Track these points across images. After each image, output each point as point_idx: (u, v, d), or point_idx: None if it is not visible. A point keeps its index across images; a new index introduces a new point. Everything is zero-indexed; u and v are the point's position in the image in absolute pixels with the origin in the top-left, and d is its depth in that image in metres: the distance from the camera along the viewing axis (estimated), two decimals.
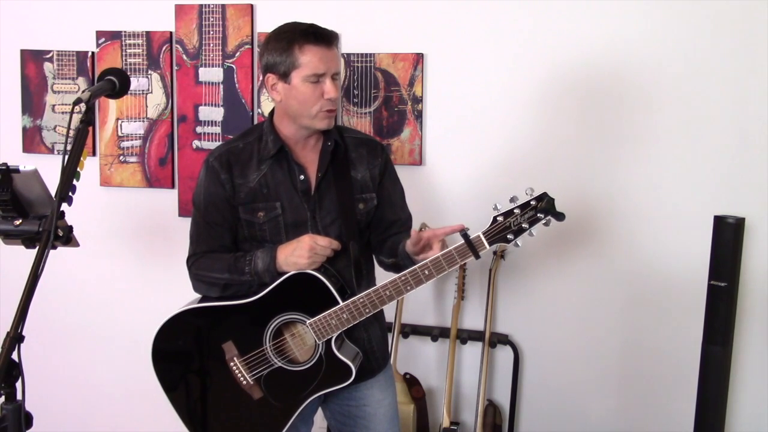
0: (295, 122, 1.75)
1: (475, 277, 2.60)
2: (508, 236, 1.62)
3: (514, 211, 1.61)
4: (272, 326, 1.72)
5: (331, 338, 1.70)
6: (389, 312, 2.47)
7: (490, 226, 1.62)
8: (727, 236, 2.17)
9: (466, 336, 2.58)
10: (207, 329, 1.79)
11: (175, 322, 1.79)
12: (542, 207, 1.59)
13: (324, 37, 1.69)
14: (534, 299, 2.58)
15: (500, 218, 1.61)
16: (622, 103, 2.43)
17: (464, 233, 1.62)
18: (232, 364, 1.76)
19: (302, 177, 1.77)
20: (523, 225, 1.61)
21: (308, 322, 1.69)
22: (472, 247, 1.62)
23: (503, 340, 2.58)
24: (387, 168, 1.88)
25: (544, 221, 1.61)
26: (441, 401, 2.62)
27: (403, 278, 1.65)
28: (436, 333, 2.60)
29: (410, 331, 2.63)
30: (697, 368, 2.26)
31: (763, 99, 2.32)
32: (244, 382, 1.76)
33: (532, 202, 1.60)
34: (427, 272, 1.64)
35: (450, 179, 2.59)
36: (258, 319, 1.73)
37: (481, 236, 1.62)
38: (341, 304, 1.67)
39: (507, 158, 2.52)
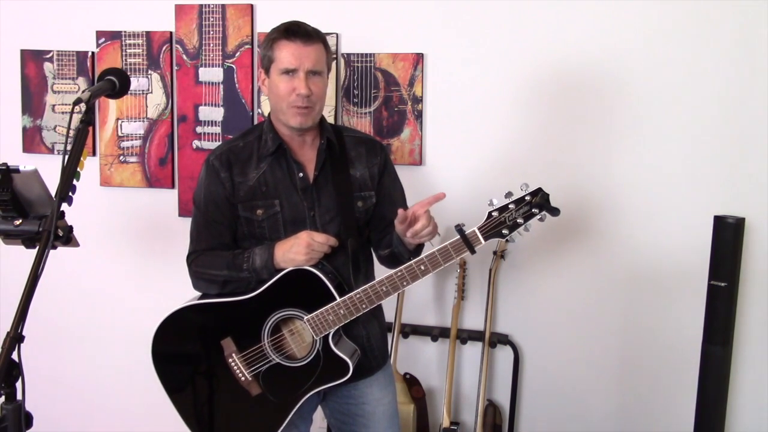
0: (279, 119, 1.79)
1: (475, 277, 2.60)
2: (503, 231, 1.64)
3: (509, 206, 1.63)
4: (270, 322, 1.73)
5: (328, 334, 1.70)
6: (389, 312, 2.47)
7: (485, 221, 1.64)
8: (727, 236, 2.17)
9: (466, 336, 2.58)
10: (206, 325, 1.81)
11: (174, 318, 1.80)
12: (537, 202, 1.61)
13: (299, 34, 1.72)
14: (534, 299, 2.58)
15: (495, 213, 1.64)
16: (622, 103, 2.43)
17: (459, 228, 1.64)
18: (230, 360, 1.76)
19: (301, 175, 1.79)
20: (518, 220, 1.63)
21: (306, 318, 1.70)
22: (467, 241, 1.64)
23: (503, 340, 2.58)
24: (386, 166, 1.90)
25: (539, 216, 1.63)
26: (441, 401, 2.62)
27: (399, 274, 1.67)
28: (436, 333, 2.60)
29: (410, 331, 2.63)
30: (697, 368, 2.26)
31: (763, 99, 2.32)
32: (243, 379, 1.77)
33: (526, 198, 1.62)
34: (423, 267, 1.66)
35: (450, 179, 2.58)
36: (256, 315, 1.74)
37: (477, 231, 1.64)
38: (338, 299, 1.68)
39: (507, 158, 2.52)
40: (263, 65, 1.79)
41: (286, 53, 1.72)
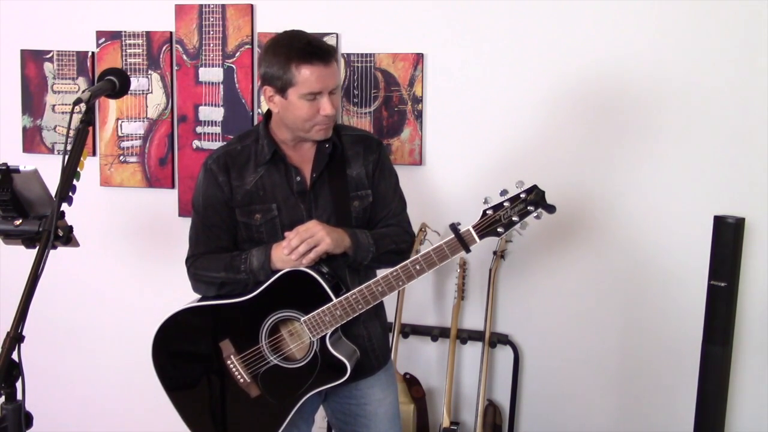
0: (292, 132, 1.77)
1: (475, 277, 2.60)
2: (498, 229, 1.62)
3: (504, 204, 1.61)
4: (268, 324, 1.73)
5: (325, 335, 1.70)
6: (389, 312, 2.47)
7: (480, 219, 1.62)
8: (727, 236, 2.17)
9: (466, 336, 2.58)
10: (204, 328, 1.81)
11: (174, 320, 1.80)
12: (532, 199, 1.60)
13: (321, 56, 1.67)
14: (534, 299, 2.58)
15: (490, 212, 1.62)
16: (622, 103, 2.43)
17: (454, 227, 1.63)
18: (229, 362, 1.76)
19: (298, 178, 1.78)
20: (513, 218, 1.61)
21: (302, 319, 1.70)
22: (462, 240, 1.63)
23: (503, 340, 2.58)
24: (379, 163, 1.87)
25: (534, 214, 1.61)
26: (441, 401, 2.62)
27: (394, 273, 1.67)
28: (436, 333, 2.60)
29: (410, 331, 2.63)
30: (697, 368, 2.26)
31: (763, 99, 2.32)
32: (242, 380, 1.76)
33: (522, 195, 1.61)
34: (418, 267, 1.66)
35: (450, 179, 2.59)
36: (253, 317, 1.74)
37: (471, 230, 1.63)
38: (334, 300, 1.68)
39: (507, 158, 2.52)
40: (275, 84, 1.70)
41: (311, 77, 1.66)
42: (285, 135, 1.79)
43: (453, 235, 1.63)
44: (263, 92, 1.76)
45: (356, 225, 1.81)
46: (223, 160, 1.79)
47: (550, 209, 1.60)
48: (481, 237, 1.63)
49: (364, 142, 1.87)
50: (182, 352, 1.84)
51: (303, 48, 1.67)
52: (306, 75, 1.66)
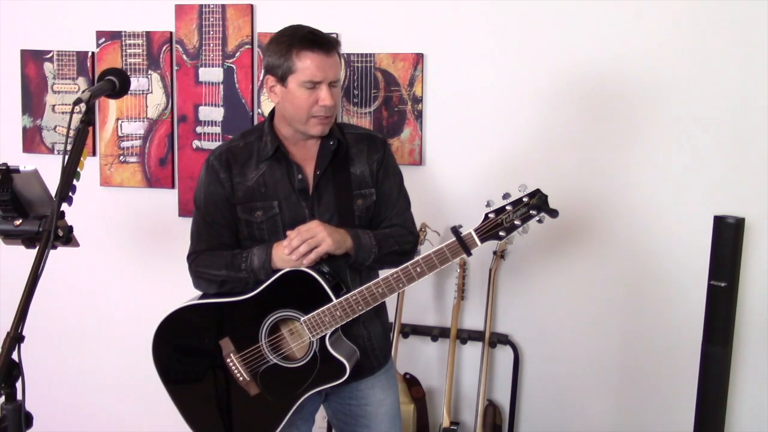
0: (291, 126, 1.77)
1: (475, 277, 2.60)
2: (500, 233, 1.61)
3: (506, 207, 1.61)
4: (268, 323, 1.73)
5: (325, 335, 1.70)
6: (390, 312, 2.47)
7: (481, 223, 1.62)
8: (727, 236, 2.17)
9: (466, 336, 2.58)
10: (205, 326, 1.81)
11: (174, 318, 1.80)
12: (535, 203, 1.59)
13: (323, 44, 1.68)
14: (534, 299, 2.58)
15: (492, 215, 1.61)
16: (622, 103, 2.43)
17: (456, 230, 1.62)
18: (228, 360, 1.76)
19: (300, 176, 1.78)
20: (515, 222, 1.60)
21: (302, 319, 1.70)
22: (463, 243, 1.62)
23: (503, 340, 2.58)
24: (384, 162, 1.86)
25: (537, 218, 1.60)
26: (441, 401, 2.62)
27: (395, 275, 1.66)
28: (436, 333, 2.60)
29: (410, 331, 2.63)
30: (697, 368, 2.26)
31: (763, 99, 2.32)
32: (241, 379, 1.76)
33: (524, 199, 1.60)
34: (419, 269, 1.65)
35: (450, 179, 2.59)
36: (254, 315, 1.74)
37: (473, 233, 1.63)
38: (334, 301, 1.68)
39: (507, 158, 2.52)
40: (276, 73, 1.71)
41: (311, 65, 1.67)
42: (287, 131, 1.78)
43: (454, 238, 1.63)
44: (265, 83, 1.76)
45: (359, 224, 1.81)
46: (225, 157, 1.79)
47: (553, 213, 1.60)
48: (482, 240, 1.62)
49: (369, 140, 1.86)
50: (182, 350, 1.84)
51: (305, 36, 1.69)
52: (306, 62, 1.67)
